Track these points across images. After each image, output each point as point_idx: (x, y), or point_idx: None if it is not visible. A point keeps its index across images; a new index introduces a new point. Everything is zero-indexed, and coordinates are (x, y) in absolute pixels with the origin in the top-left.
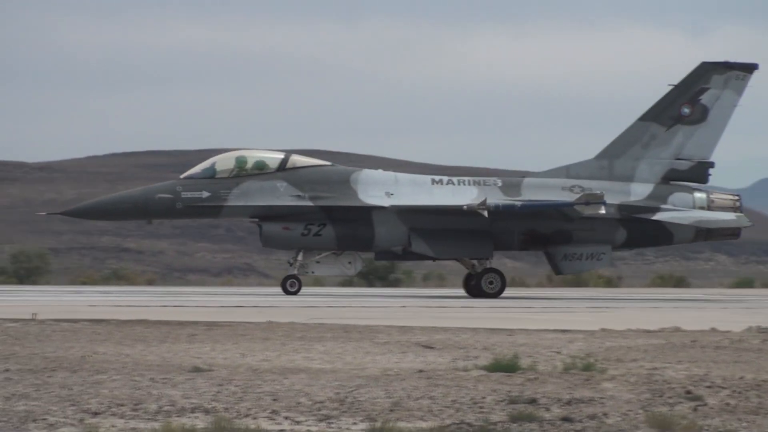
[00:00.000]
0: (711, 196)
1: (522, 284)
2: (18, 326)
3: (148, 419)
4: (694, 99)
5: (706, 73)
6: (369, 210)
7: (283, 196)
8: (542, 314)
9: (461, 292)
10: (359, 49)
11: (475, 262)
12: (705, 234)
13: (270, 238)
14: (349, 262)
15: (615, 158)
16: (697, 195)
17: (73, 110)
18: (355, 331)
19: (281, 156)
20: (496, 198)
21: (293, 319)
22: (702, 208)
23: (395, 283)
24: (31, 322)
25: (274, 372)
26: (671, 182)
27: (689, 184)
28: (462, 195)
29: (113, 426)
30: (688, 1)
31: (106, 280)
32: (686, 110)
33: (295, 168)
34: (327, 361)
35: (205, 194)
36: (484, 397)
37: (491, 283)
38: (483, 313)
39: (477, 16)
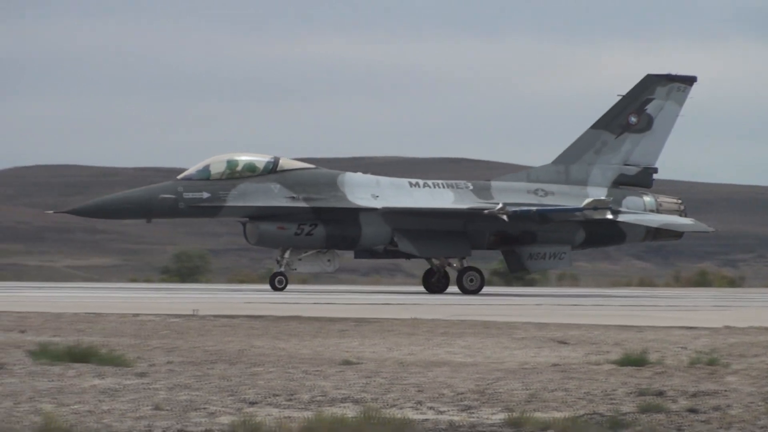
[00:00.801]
0: (658, 199)
1: (650, 284)
2: (180, 321)
3: (302, 408)
4: (640, 109)
5: (651, 84)
6: (357, 211)
7: (277, 197)
8: (669, 312)
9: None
10: (499, 62)
11: (454, 260)
12: (653, 235)
13: (265, 237)
14: (329, 260)
15: (570, 163)
16: (647, 198)
17: (233, 119)
18: (494, 327)
19: (271, 159)
20: (471, 200)
21: (437, 316)
22: (651, 210)
23: (531, 283)
24: (192, 318)
25: (419, 365)
26: (620, 186)
27: (637, 188)
28: (440, 197)
29: (269, 415)
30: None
31: (262, 279)
32: (633, 119)
33: (285, 170)
34: (468, 355)
35: (206, 195)
36: (614, 390)
37: (471, 280)
38: (614, 311)
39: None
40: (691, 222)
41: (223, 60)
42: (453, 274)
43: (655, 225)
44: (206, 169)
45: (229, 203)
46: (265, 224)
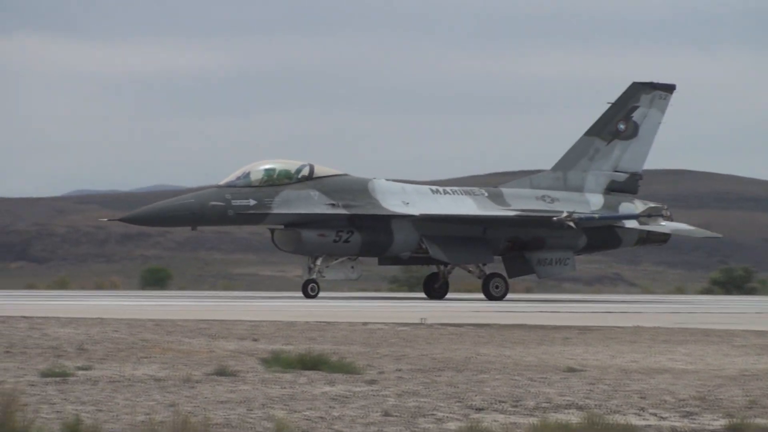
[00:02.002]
0: (647, 204)
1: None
2: (409, 330)
3: (527, 414)
4: (627, 116)
5: (636, 92)
6: (390, 218)
7: (318, 204)
8: None
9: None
10: (719, 74)
11: (480, 266)
12: (643, 240)
13: (307, 245)
14: (352, 267)
15: (568, 170)
16: (639, 204)
17: (458, 133)
18: (714, 334)
19: (306, 165)
20: (489, 207)
21: (658, 324)
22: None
23: (751, 292)
24: (420, 326)
25: (641, 372)
26: (611, 193)
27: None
28: (462, 204)
29: (495, 420)
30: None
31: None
32: (622, 126)
33: (320, 177)
34: (689, 362)
35: (252, 202)
36: None
37: (497, 287)
38: None
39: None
40: (703, 230)
41: (447, 75)
42: (451, 280)
43: (667, 231)
44: (247, 176)
45: (275, 210)
46: (307, 231)
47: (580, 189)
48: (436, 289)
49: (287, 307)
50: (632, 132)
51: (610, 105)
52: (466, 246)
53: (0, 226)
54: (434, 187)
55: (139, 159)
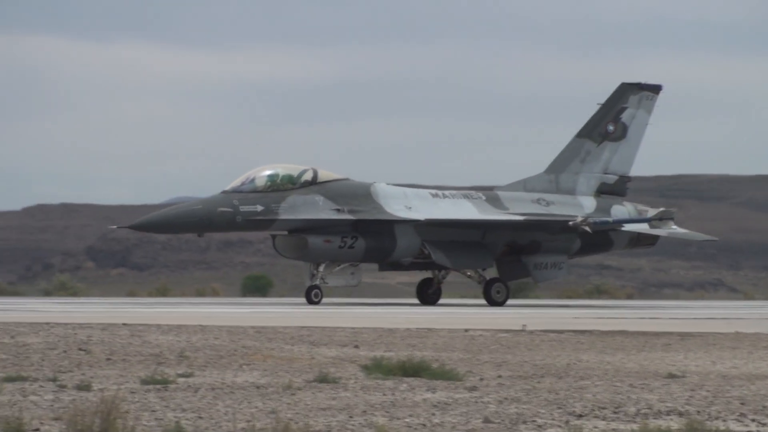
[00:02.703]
0: (638, 207)
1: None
2: (509, 336)
3: (628, 421)
4: (616, 117)
5: (624, 93)
6: (393, 223)
7: (323, 209)
8: None
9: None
10: None
11: (480, 271)
12: (633, 242)
13: (313, 251)
14: (352, 273)
15: (560, 173)
16: (630, 207)
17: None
18: None
19: (310, 169)
20: (488, 210)
21: (759, 330)
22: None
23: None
24: (521, 333)
25: (742, 378)
26: (601, 195)
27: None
28: (463, 208)
29: (595, 427)
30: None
31: (589, 295)
32: (611, 128)
33: (324, 182)
34: None
35: (260, 208)
36: None
37: (499, 292)
38: None
39: None
40: (699, 233)
41: (551, 80)
42: (443, 285)
43: (664, 234)
44: (252, 181)
45: (282, 216)
46: (313, 237)
47: (572, 192)
48: (430, 295)
49: (388, 314)
50: (621, 133)
51: (599, 106)
52: (467, 251)
53: (101, 233)
54: (433, 191)
55: (241, 165)
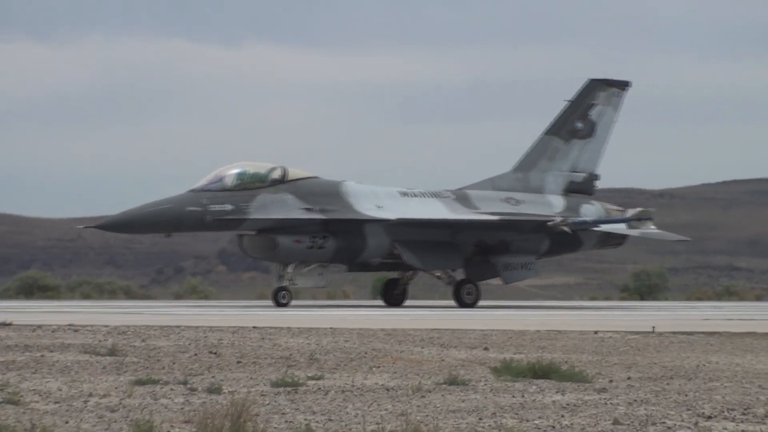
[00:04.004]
0: (606, 207)
1: None
2: (639, 338)
3: (757, 422)
4: (584, 114)
5: (593, 89)
6: (363, 222)
7: (293, 209)
8: None
9: None
10: None
11: (449, 272)
12: (601, 242)
13: (282, 251)
14: (320, 274)
15: (528, 171)
16: (598, 206)
17: (689, 140)
18: None
19: (279, 167)
20: (459, 210)
21: None
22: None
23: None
24: (650, 335)
25: None
26: (569, 194)
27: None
28: (432, 207)
29: (725, 429)
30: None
31: (718, 296)
32: (579, 125)
33: (294, 180)
34: None
35: (229, 207)
36: None
37: (469, 293)
38: None
39: None
40: (672, 234)
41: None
42: (415, 286)
43: (636, 234)
44: (221, 179)
45: (252, 216)
46: (283, 237)
47: (540, 190)
48: (395, 296)
49: (517, 316)
50: (589, 131)
51: (568, 103)
52: (437, 251)
53: (231, 236)
54: (402, 190)
55: (369, 167)
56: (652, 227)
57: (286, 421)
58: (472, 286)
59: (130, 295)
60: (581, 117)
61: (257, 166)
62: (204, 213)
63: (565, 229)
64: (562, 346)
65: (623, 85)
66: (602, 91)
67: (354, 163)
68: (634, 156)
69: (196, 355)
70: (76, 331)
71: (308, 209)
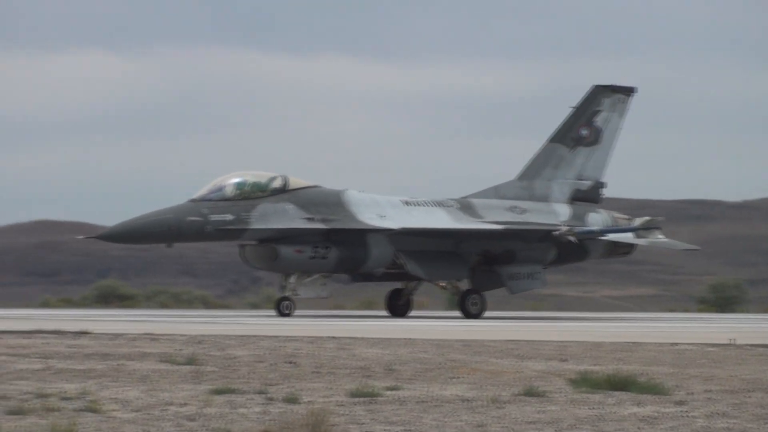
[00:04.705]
0: (613, 215)
1: None
2: (717, 350)
3: None
4: (589, 121)
5: (598, 95)
6: (365, 232)
7: (295, 218)
8: None
9: None
10: None
11: (454, 282)
12: (609, 252)
13: (284, 261)
14: (323, 284)
15: (533, 179)
16: (604, 215)
17: (764, 151)
18: None
19: (279, 176)
20: (463, 219)
21: None
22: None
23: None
24: (729, 347)
25: None
26: (575, 202)
27: (590, 204)
28: (436, 216)
29: None
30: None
31: None
32: (584, 132)
33: (295, 189)
34: None
35: (230, 217)
36: None
37: (474, 303)
38: None
39: None
40: (682, 243)
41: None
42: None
43: (644, 244)
44: (221, 189)
45: (253, 225)
46: (285, 247)
47: (546, 199)
48: (400, 306)
49: (594, 328)
50: (595, 138)
51: (572, 110)
52: (442, 261)
53: None
54: (405, 199)
55: (430, 178)
56: (660, 236)
57: (364, 431)
58: (477, 296)
59: (207, 304)
60: (586, 124)
61: (258, 175)
62: (204, 223)
63: (571, 238)
64: (639, 357)
65: (629, 91)
66: (607, 97)
67: (419, 175)
68: (714, 165)
69: (273, 364)
70: (154, 340)
71: (309, 219)
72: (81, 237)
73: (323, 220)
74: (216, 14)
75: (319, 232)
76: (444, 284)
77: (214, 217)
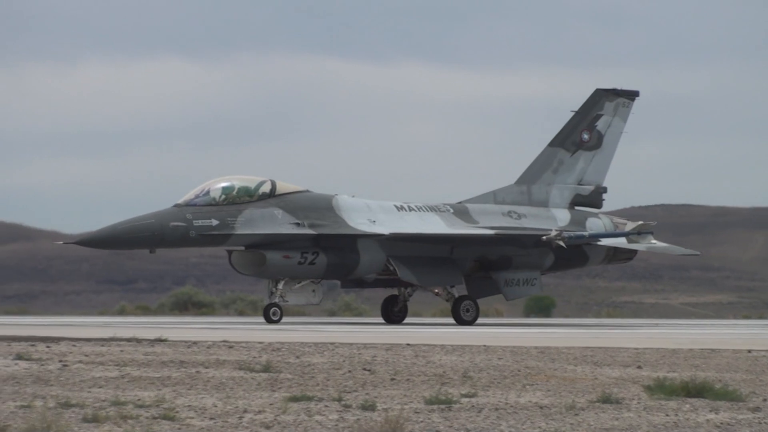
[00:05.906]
0: (614, 221)
1: None
2: None
3: None
4: (591, 125)
5: (599, 99)
6: (356, 237)
7: (282, 223)
8: None
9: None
10: None
11: (448, 288)
12: (610, 257)
13: (271, 267)
14: (313, 291)
15: (532, 184)
16: (605, 220)
17: None
18: None
19: (268, 181)
20: (457, 224)
21: None
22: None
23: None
24: None
25: None
26: (575, 207)
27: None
28: (430, 221)
29: None
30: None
31: None
32: (585, 136)
33: (283, 194)
34: None
35: (215, 222)
36: None
37: (468, 310)
38: None
39: None
40: (680, 247)
41: None
42: (410, 303)
43: (643, 249)
44: (207, 193)
45: (238, 231)
46: (272, 253)
47: (545, 204)
48: (395, 313)
49: (671, 335)
50: (596, 142)
51: (573, 113)
52: (435, 267)
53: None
54: (399, 204)
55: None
56: (653, 241)
57: None
58: (470, 302)
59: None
60: (587, 128)
61: (245, 179)
62: (188, 228)
63: (560, 243)
64: (715, 364)
65: (631, 95)
66: (609, 101)
67: (498, 181)
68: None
69: (350, 372)
70: (230, 347)
71: (297, 224)
72: (60, 242)
73: (312, 226)
74: (297, 21)
75: (307, 237)
76: (438, 290)
77: (198, 222)
